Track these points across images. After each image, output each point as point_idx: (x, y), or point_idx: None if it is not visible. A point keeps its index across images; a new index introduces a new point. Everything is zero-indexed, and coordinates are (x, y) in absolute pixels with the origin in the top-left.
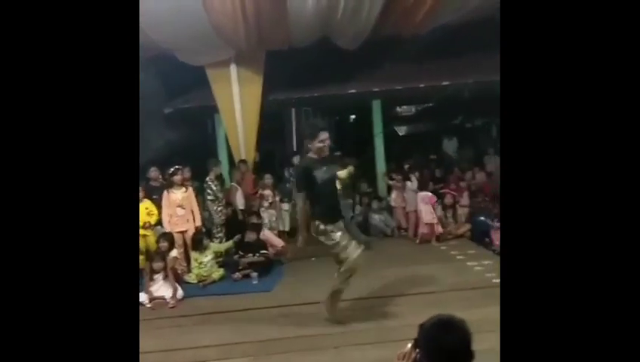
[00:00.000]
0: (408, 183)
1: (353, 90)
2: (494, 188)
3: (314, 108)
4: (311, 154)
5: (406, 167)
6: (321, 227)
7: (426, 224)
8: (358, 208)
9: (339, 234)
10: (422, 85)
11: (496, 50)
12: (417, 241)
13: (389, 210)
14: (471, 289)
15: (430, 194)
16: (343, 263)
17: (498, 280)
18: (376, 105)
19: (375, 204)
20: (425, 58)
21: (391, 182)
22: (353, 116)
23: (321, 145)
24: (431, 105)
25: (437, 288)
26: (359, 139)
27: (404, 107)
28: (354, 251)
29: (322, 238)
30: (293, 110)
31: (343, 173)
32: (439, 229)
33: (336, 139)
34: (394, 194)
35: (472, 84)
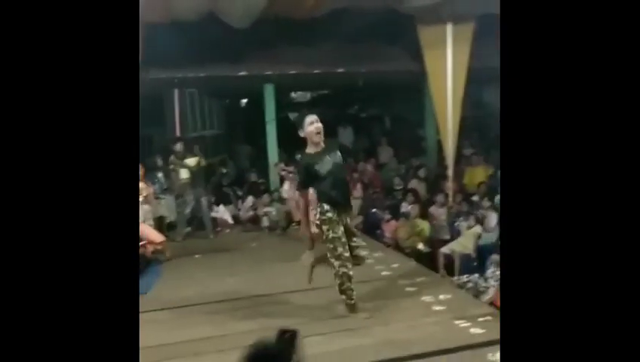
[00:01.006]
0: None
1: (244, 73)
2: (385, 180)
3: (200, 90)
4: (308, 149)
5: (299, 156)
6: (329, 215)
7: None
8: (250, 200)
9: (341, 228)
10: (317, 71)
11: (393, 41)
12: (310, 246)
13: (282, 202)
14: (360, 283)
15: None
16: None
17: (387, 273)
18: (269, 90)
19: (266, 197)
20: (321, 43)
21: (283, 173)
22: (244, 100)
23: (312, 128)
24: (326, 92)
25: (325, 283)
26: (250, 126)
27: (299, 93)
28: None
29: (325, 228)
30: (175, 91)
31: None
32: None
33: (224, 125)
34: (286, 186)
35: (366, 74)
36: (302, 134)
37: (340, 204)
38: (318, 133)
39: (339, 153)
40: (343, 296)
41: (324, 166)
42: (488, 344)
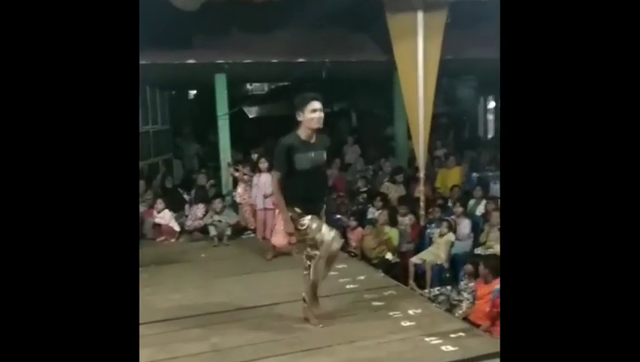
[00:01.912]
0: (258, 176)
1: (192, 60)
2: (349, 183)
3: (142, 79)
4: (299, 131)
5: (255, 156)
6: (309, 224)
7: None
8: (202, 207)
9: (308, 217)
10: (275, 60)
11: (360, 29)
12: (268, 256)
13: (235, 207)
14: (323, 297)
15: None
16: (315, 250)
17: (352, 286)
18: (221, 81)
19: (218, 202)
20: (279, 29)
21: (237, 174)
22: (193, 92)
23: (313, 115)
24: (286, 84)
25: (282, 298)
26: (200, 121)
27: (255, 85)
28: (328, 233)
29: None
30: None
31: None
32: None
33: (170, 120)
34: (240, 189)
35: (329, 64)
36: (299, 118)
37: (314, 211)
38: (319, 125)
39: (324, 154)
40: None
41: (303, 161)
42: None
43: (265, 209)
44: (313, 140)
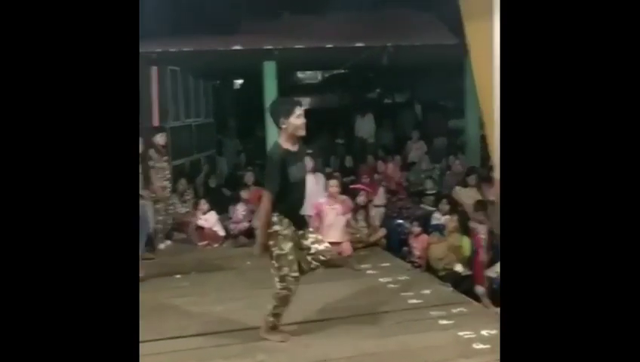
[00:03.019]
0: (309, 176)
1: (239, 47)
2: (413, 184)
3: (184, 68)
4: (282, 141)
5: (308, 152)
6: (280, 228)
7: (335, 243)
8: (243, 207)
9: (290, 245)
10: (330, 46)
11: (426, 8)
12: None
13: None
14: (382, 313)
15: (345, 198)
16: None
17: (416, 301)
18: (270, 69)
19: None
20: (335, 10)
21: None
22: (239, 81)
23: (298, 121)
24: (342, 72)
25: (340, 313)
26: (246, 113)
27: (307, 73)
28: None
29: (271, 242)
30: (154, 69)
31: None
32: (349, 249)
33: (214, 112)
34: None
35: (392, 49)
36: (283, 125)
37: (297, 220)
38: (304, 132)
39: (307, 161)
40: (270, 318)
41: (297, 172)
42: None
43: (309, 215)
44: (297, 148)
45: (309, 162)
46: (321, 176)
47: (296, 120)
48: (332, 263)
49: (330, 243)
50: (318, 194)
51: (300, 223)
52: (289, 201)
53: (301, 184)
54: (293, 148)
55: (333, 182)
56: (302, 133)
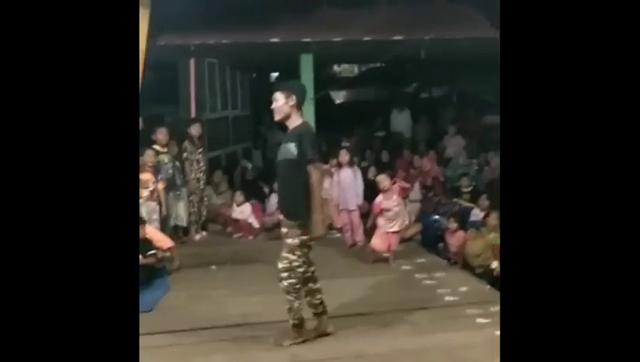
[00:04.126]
0: (338, 171)
1: (276, 40)
2: (450, 180)
3: (222, 60)
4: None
5: (345, 145)
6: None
7: (385, 233)
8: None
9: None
10: (367, 39)
11: (467, 1)
12: (368, 260)
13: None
14: (417, 310)
15: (400, 183)
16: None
17: (452, 298)
18: (307, 61)
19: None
20: (372, 3)
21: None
22: (275, 74)
23: (272, 107)
24: (378, 65)
25: (373, 308)
26: None
27: (344, 66)
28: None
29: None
30: (192, 61)
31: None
32: (394, 243)
33: (251, 105)
34: (327, 183)
35: (430, 42)
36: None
37: (291, 217)
38: (276, 117)
39: (293, 145)
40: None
41: (279, 155)
42: None
43: (348, 210)
44: (288, 131)
45: (344, 155)
46: (358, 171)
47: (273, 105)
48: None
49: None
50: (355, 187)
51: (299, 222)
52: (279, 193)
53: (281, 174)
54: (287, 130)
55: (382, 177)
56: (275, 117)
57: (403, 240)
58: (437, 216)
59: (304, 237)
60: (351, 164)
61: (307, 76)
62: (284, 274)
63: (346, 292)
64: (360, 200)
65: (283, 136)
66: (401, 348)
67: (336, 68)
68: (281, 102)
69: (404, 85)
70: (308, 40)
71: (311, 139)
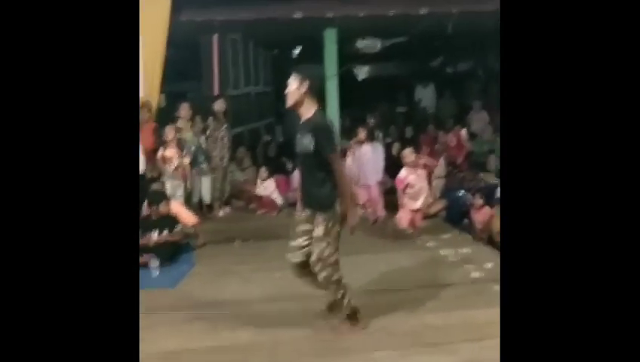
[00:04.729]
0: (357, 147)
1: (299, 15)
2: (475, 156)
3: (245, 36)
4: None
5: (371, 121)
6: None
7: (409, 210)
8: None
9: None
10: (392, 13)
11: None
12: (390, 237)
13: None
14: (443, 287)
15: (425, 158)
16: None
17: (477, 275)
18: (330, 37)
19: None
20: None
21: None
22: (298, 50)
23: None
24: (402, 40)
25: (398, 284)
26: None
27: (367, 41)
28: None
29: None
30: (214, 37)
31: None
32: (418, 219)
33: (273, 81)
34: (349, 160)
35: (457, 16)
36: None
37: (320, 209)
38: (288, 103)
39: (309, 139)
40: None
41: (297, 146)
42: None
43: (368, 186)
44: (302, 120)
45: (361, 133)
46: (378, 146)
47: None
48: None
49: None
50: (375, 163)
51: (321, 210)
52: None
53: (301, 164)
54: (301, 119)
55: (407, 152)
56: (287, 103)
57: (428, 217)
58: (462, 192)
59: (333, 228)
60: (370, 139)
61: (331, 51)
62: (317, 268)
63: (372, 268)
64: (380, 176)
65: (298, 126)
66: (427, 324)
67: (359, 43)
68: (293, 88)
69: (428, 60)
70: (331, 15)
71: (326, 132)
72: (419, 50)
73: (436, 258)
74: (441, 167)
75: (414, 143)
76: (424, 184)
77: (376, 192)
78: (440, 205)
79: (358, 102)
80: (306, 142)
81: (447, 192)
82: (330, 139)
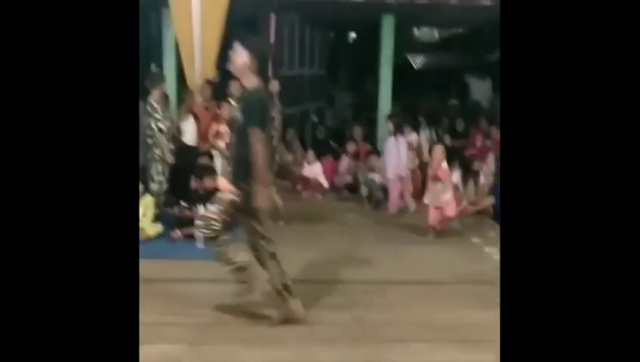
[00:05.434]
0: (390, 140)
1: None
2: None
3: (302, 17)
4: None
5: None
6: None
7: (434, 208)
8: (346, 161)
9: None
10: (453, 2)
11: None
12: (428, 232)
13: None
14: (487, 284)
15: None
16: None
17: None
18: (388, 23)
19: (373, 159)
20: None
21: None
22: (354, 34)
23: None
24: (461, 31)
25: (440, 278)
26: (359, 67)
27: (425, 29)
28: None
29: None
30: (272, 17)
31: None
32: (451, 211)
33: (327, 64)
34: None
35: None
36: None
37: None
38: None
39: (239, 109)
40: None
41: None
42: None
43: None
44: (242, 92)
45: (391, 126)
46: (402, 141)
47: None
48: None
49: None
50: (396, 157)
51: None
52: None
53: (232, 139)
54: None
55: (439, 148)
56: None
57: (475, 213)
58: None
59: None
60: (395, 134)
61: (388, 38)
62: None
63: (411, 259)
64: (400, 170)
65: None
66: (465, 320)
67: (416, 31)
68: (238, 59)
69: (486, 53)
70: (391, 1)
71: (256, 106)
72: (476, 43)
73: (480, 255)
74: (491, 163)
75: (465, 137)
76: (434, 186)
77: (395, 187)
78: (488, 201)
79: (411, 92)
80: (237, 111)
81: (496, 189)
82: (257, 113)
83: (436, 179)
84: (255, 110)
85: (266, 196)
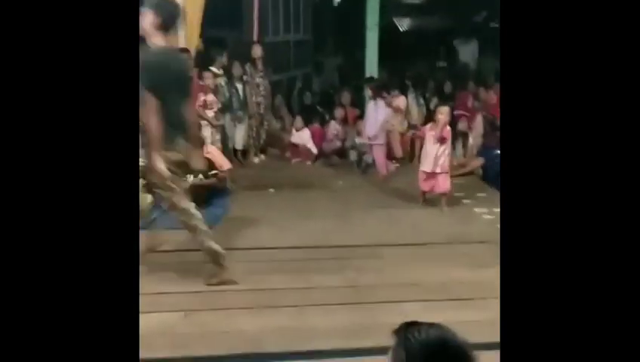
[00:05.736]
0: (369, 103)
1: None
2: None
3: None
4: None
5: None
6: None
7: (430, 173)
8: (334, 126)
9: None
10: None
11: None
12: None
13: None
14: (477, 243)
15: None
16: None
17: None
18: None
19: (361, 124)
20: None
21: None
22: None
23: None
24: None
25: (431, 238)
26: (344, 32)
27: None
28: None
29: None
30: None
31: None
32: (447, 185)
33: (312, 30)
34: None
35: None
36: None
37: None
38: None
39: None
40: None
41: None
42: None
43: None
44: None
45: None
46: (380, 102)
47: None
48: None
49: (426, 173)
50: (373, 118)
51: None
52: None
53: None
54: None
55: (445, 110)
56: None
57: (463, 174)
58: (499, 151)
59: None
60: (374, 98)
61: (373, 1)
62: None
63: (403, 222)
64: (372, 132)
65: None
66: (457, 278)
67: None
68: (145, 19)
69: (472, 14)
70: None
71: (154, 66)
72: (462, 5)
73: (470, 215)
74: (479, 125)
75: (452, 99)
76: (431, 149)
77: (379, 150)
78: (477, 163)
79: (397, 55)
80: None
81: (484, 150)
82: (148, 75)
83: (442, 140)
84: (148, 72)
85: (160, 163)
